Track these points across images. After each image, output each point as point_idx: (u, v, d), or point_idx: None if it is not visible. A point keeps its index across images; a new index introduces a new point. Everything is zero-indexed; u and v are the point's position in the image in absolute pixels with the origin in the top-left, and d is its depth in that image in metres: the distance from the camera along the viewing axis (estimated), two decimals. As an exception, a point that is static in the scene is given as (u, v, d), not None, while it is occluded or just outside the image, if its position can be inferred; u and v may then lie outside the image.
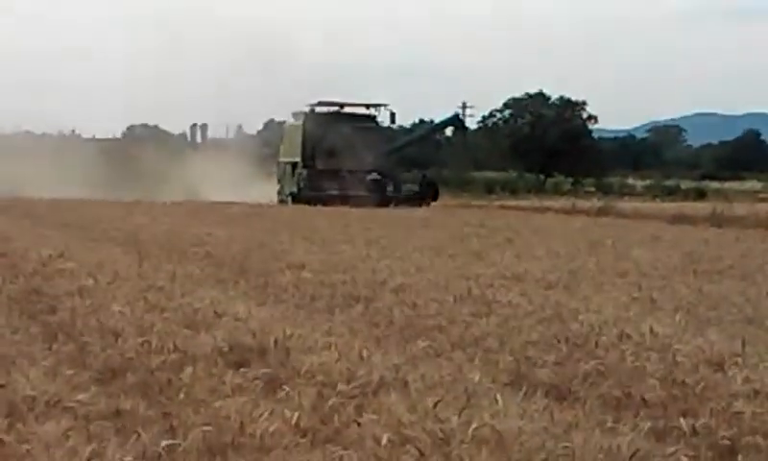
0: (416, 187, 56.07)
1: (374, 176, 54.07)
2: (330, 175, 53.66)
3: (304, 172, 54.36)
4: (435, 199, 55.13)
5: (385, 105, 57.89)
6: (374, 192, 52.26)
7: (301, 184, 53.84)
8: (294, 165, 55.79)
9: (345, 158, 54.31)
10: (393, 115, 58.24)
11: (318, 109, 57.29)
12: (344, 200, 48.34)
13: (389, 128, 59.53)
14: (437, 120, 72.20)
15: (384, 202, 50.24)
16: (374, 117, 58.07)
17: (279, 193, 56.81)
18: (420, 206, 50.21)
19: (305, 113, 57.02)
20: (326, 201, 48.33)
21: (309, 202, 48.93)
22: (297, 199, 52.45)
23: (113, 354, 8.94)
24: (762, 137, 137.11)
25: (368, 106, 58.22)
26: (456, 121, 69.22)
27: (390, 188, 54.36)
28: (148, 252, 19.63)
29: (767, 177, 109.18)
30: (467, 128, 76.91)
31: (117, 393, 7.71)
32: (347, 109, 57.94)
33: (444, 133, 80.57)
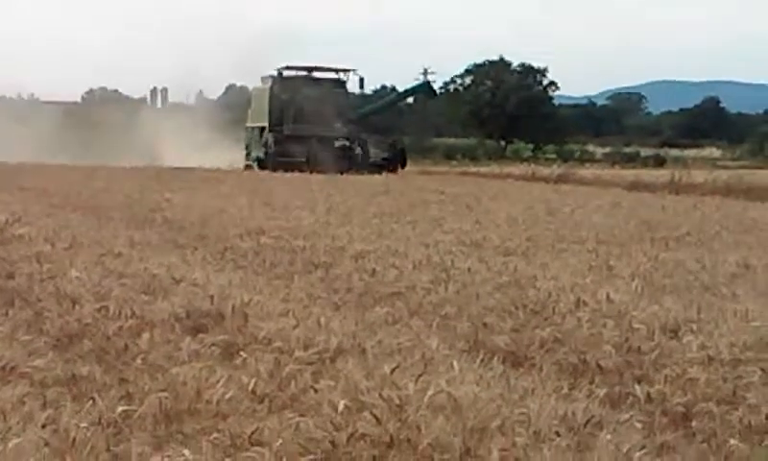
0: (384, 154, 55.19)
1: (342, 142, 53.44)
2: (298, 140, 52.68)
3: (271, 137, 53.55)
4: (403, 166, 54.53)
5: (354, 70, 57.14)
6: (342, 159, 51.39)
7: (269, 150, 53.06)
8: (261, 130, 55.03)
9: (312, 124, 53.46)
10: (361, 80, 57.52)
11: (286, 73, 56.40)
12: (311, 166, 47.69)
13: (357, 93, 58.92)
14: (398, 86, 71.59)
15: (352, 169, 49.32)
16: (343, 82, 57.17)
17: (247, 158, 56.08)
18: (389, 172, 49.75)
19: (273, 77, 56.19)
20: (293, 167, 47.45)
21: (276, 168, 48.25)
22: (263, 164, 51.91)
23: (70, 320, 8.91)
24: (722, 105, 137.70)
25: (336, 70, 57.28)
26: (426, 88, 68.78)
27: (358, 155, 53.52)
28: (106, 217, 19.58)
29: (726, 144, 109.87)
30: (436, 94, 76.39)
31: (74, 359, 7.69)
32: (315, 74, 56.99)
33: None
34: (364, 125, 59.23)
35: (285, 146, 52.64)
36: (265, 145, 53.63)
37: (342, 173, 45.86)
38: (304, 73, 56.98)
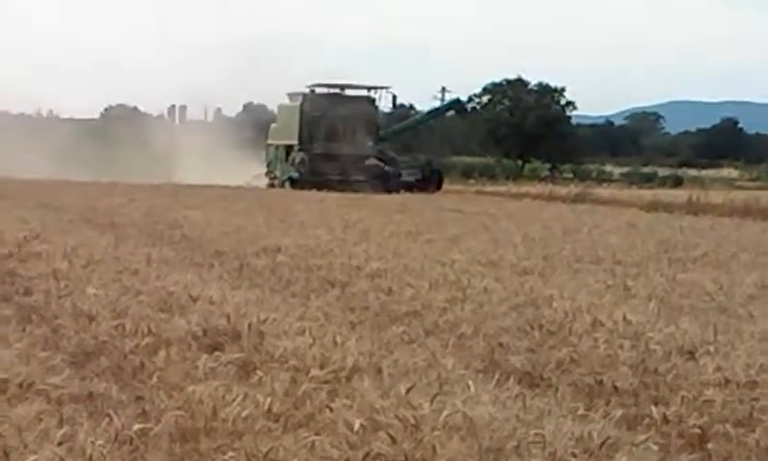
0: (418, 174, 53.65)
1: (374, 161, 52.41)
2: (330, 159, 51.75)
3: (305, 156, 52.31)
4: (439, 187, 52.90)
5: (387, 87, 56.32)
6: (376, 178, 50.25)
7: (302, 169, 51.70)
8: (288, 148, 53.98)
9: (343, 142, 52.81)
10: (394, 98, 56.98)
11: (318, 90, 55.36)
12: (345, 186, 46.70)
13: (388, 111, 58.18)
14: (416, 105, 70.90)
15: (386, 188, 47.95)
16: (373, 100, 56.14)
17: (270, 176, 55.16)
18: (423, 192, 48.12)
19: (303, 94, 55.05)
20: (326, 186, 46.32)
21: (309, 187, 46.87)
22: (296, 184, 50.35)
23: (87, 337, 8.94)
24: (740, 125, 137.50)
25: (369, 88, 56.37)
26: (458, 105, 68.01)
27: (389, 174, 51.98)
28: (124, 234, 19.62)
29: (743, 165, 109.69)
30: (467, 111, 75.20)
31: (90, 376, 7.71)
32: (345, 92, 56.01)
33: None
34: (397, 144, 58.27)
35: (317, 165, 51.59)
36: (299, 163, 52.32)
37: (376, 192, 44.85)
38: (336, 90, 55.99)
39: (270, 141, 57.06)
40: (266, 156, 57.17)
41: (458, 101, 69.88)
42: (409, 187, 49.89)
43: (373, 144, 53.81)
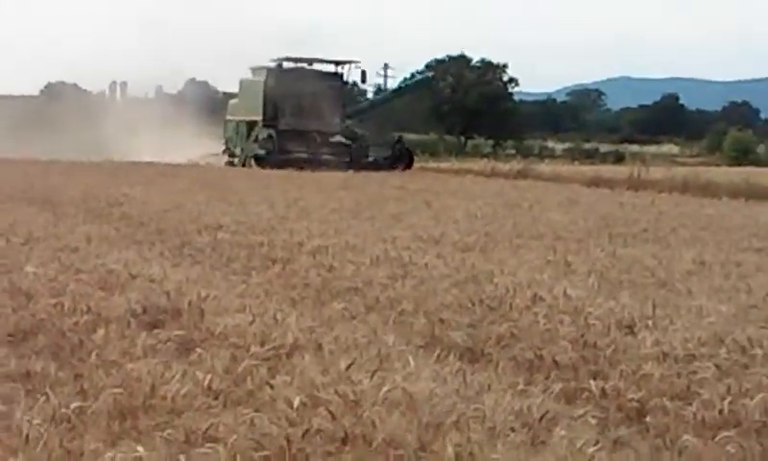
0: (387, 152, 51.71)
1: (339, 138, 50.82)
2: (296, 136, 49.79)
3: (271, 132, 50.19)
4: (410, 166, 51.27)
5: (356, 62, 54.35)
6: (342, 156, 48.54)
7: (269, 146, 49.63)
8: (251, 124, 52.10)
9: (308, 119, 50.87)
10: (363, 74, 54.84)
11: (285, 65, 53.21)
12: (313, 164, 44.87)
13: (354, 87, 56.46)
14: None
15: (354, 166, 45.82)
16: (341, 75, 54.04)
17: (228, 153, 53.64)
18: (394, 171, 46.63)
19: (268, 69, 52.67)
20: (293, 164, 44.62)
21: (276, 165, 45.40)
22: (263, 162, 48.31)
23: (25, 316, 8.84)
24: (681, 102, 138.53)
25: (337, 63, 54.00)
26: (429, 82, 66.39)
27: (354, 152, 50.09)
28: (63, 212, 19.47)
29: (684, 141, 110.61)
30: (438, 88, 73.07)
31: (28, 354, 7.63)
32: (310, 67, 53.95)
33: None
34: (366, 121, 56.03)
35: (284, 142, 49.66)
36: (266, 140, 50.20)
37: (344, 170, 43.13)
38: (302, 65, 53.86)
39: (229, 117, 55.34)
40: (224, 132, 55.62)
41: (429, 78, 68.26)
42: (379, 165, 48.42)
43: (340, 121, 52.18)
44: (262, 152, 49.68)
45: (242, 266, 12.72)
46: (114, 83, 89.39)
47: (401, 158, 51.47)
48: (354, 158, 48.88)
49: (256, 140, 51.08)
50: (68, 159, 43.63)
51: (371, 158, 50.47)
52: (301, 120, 51.02)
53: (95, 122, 61.28)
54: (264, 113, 51.31)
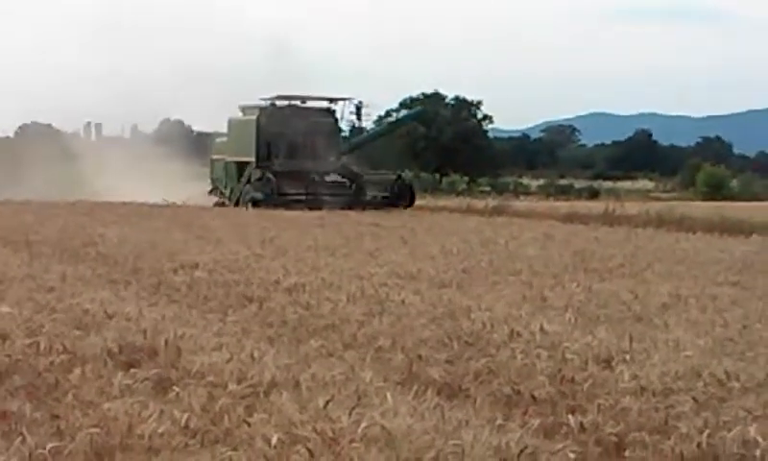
0: (385, 192, 49.96)
1: (334, 177, 49.32)
2: (293, 177, 47.75)
3: (268, 175, 48.20)
4: (411, 203, 49.75)
5: (350, 98, 53.41)
6: (340, 196, 46.57)
7: (268, 189, 47.50)
8: (241, 165, 50.38)
9: (304, 159, 49.33)
10: (359, 109, 53.94)
11: (279, 103, 51.63)
12: (311, 204, 43.45)
13: (357, 125, 54.38)
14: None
15: (354, 206, 44.43)
16: (333, 112, 52.58)
17: (218, 194, 51.85)
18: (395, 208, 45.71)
19: (260, 107, 51.13)
20: (292, 206, 43.17)
21: (276, 207, 43.51)
22: (260, 204, 46.05)
23: (0, 356, 8.79)
24: (653, 138, 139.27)
25: (331, 100, 52.85)
26: (422, 115, 65.29)
27: (352, 190, 48.54)
28: (38, 252, 19.39)
29: (658, 176, 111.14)
30: (431, 121, 72.06)
31: (3, 395, 7.60)
32: (303, 105, 52.32)
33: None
34: (361, 158, 54.89)
35: (282, 184, 47.48)
36: (264, 183, 48.10)
37: (342, 210, 41.53)
38: (296, 103, 52.26)
39: (216, 156, 53.67)
40: (211, 172, 54.18)
41: (423, 111, 67.29)
42: (379, 204, 47.10)
43: (336, 159, 50.91)
44: (260, 195, 47.89)
45: (219, 304, 12.69)
46: (89, 123, 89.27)
47: (402, 196, 50.16)
48: (354, 198, 47.53)
49: (249, 181, 49.57)
50: (43, 199, 43.43)
51: (369, 197, 48.93)
52: (297, 160, 49.54)
53: (70, 162, 61.08)
54: (257, 154, 49.86)
